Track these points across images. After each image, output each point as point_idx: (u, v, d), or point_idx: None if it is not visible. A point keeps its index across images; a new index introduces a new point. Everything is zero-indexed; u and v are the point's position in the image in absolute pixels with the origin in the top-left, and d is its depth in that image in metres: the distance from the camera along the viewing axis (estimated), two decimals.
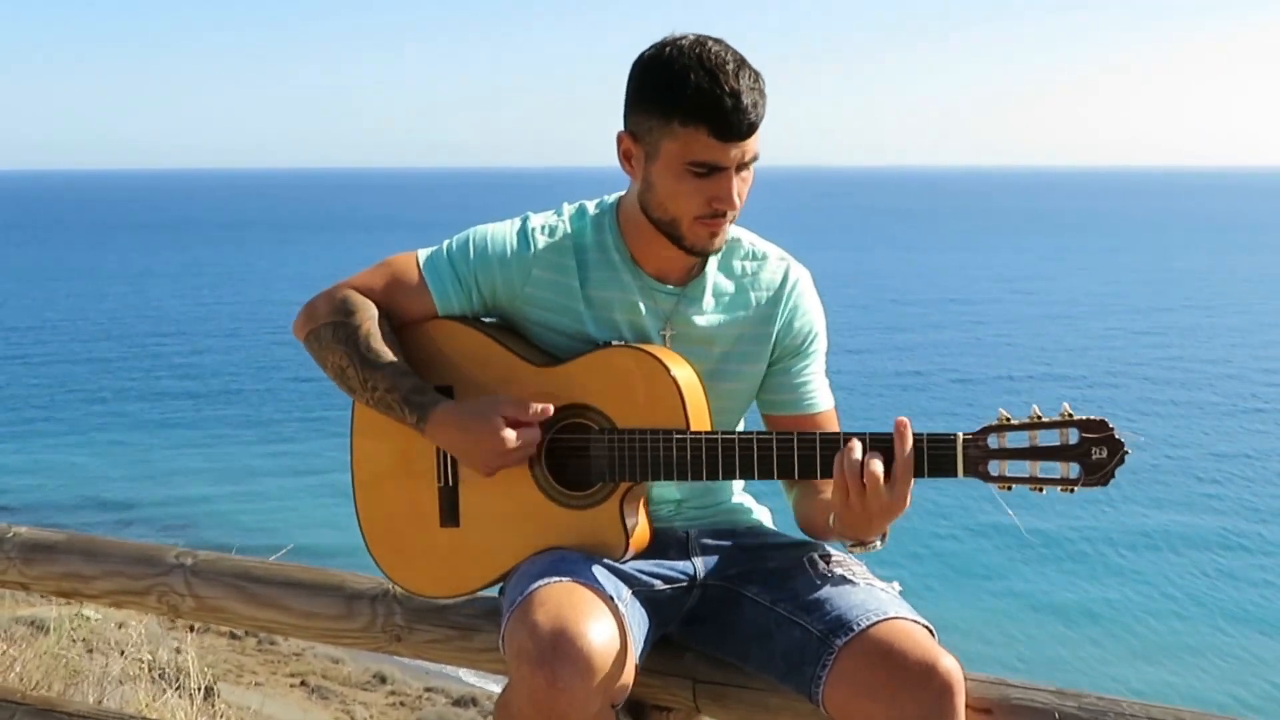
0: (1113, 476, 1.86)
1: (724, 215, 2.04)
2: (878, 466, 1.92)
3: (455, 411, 2.08)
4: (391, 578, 2.26)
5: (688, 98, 1.96)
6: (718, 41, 2.01)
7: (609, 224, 2.18)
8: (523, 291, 2.15)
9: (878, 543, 2.05)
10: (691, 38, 2.01)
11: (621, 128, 2.09)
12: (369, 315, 2.15)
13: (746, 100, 1.96)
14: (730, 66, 1.96)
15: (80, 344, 39.09)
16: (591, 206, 2.21)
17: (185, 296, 51.47)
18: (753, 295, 2.19)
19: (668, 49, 2.01)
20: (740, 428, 2.28)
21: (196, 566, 2.67)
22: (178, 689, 5.40)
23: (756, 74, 2.00)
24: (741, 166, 2.02)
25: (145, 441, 26.08)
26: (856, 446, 1.94)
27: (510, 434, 2.04)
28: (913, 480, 1.93)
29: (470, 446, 2.06)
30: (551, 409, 2.08)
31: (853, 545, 2.06)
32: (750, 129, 1.98)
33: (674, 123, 1.99)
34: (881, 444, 1.94)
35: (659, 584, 2.14)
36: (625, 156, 2.10)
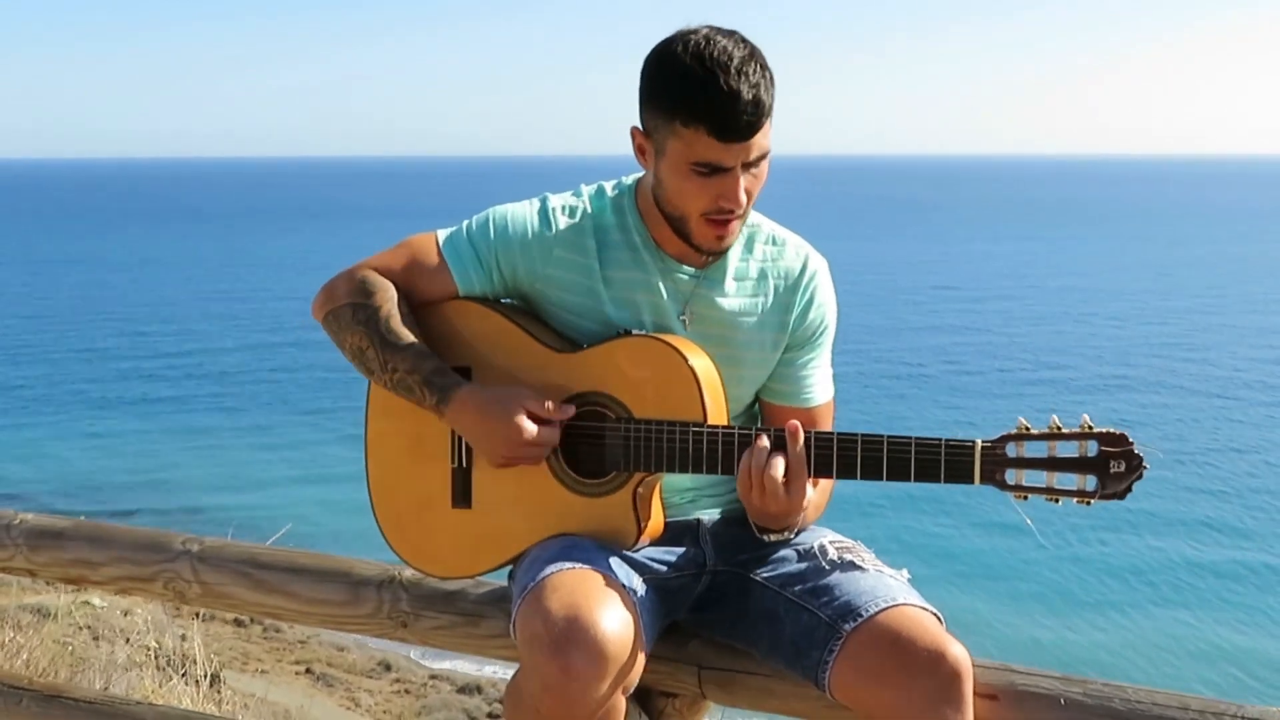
0: (1130, 491, 1.86)
1: (731, 214, 2.02)
2: (777, 470, 1.96)
3: (477, 396, 2.07)
4: (402, 556, 2.26)
5: (688, 98, 1.94)
6: (729, 35, 1.97)
7: (628, 205, 2.16)
8: (543, 272, 2.14)
9: (785, 534, 2.09)
10: (702, 33, 1.98)
11: (637, 121, 2.08)
12: (389, 296, 2.14)
13: (747, 98, 1.92)
14: (734, 64, 1.93)
15: (81, 333, 39.14)
16: (610, 188, 2.20)
17: (188, 285, 51.54)
18: (772, 282, 2.18)
19: (675, 45, 1.98)
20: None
21: (203, 553, 2.67)
22: (183, 676, 5.42)
23: (763, 70, 1.96)
24: (749, 164, 1.99)
25: (148, 430, 26.15)
26: (763, 446, 1.97)
27: (530, 426, 2.04)
28: (807, 484, 1.98)
29: (487, 434, 2.06)
30: (573, 410, 2.08)
31: (761, 532, 2.09)
32: (751, 129, 1.95)
33: (676, 123, 1.97)
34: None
35: (670, 571, 2.14)
36: (639, 151, 2.09)
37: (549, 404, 2.06)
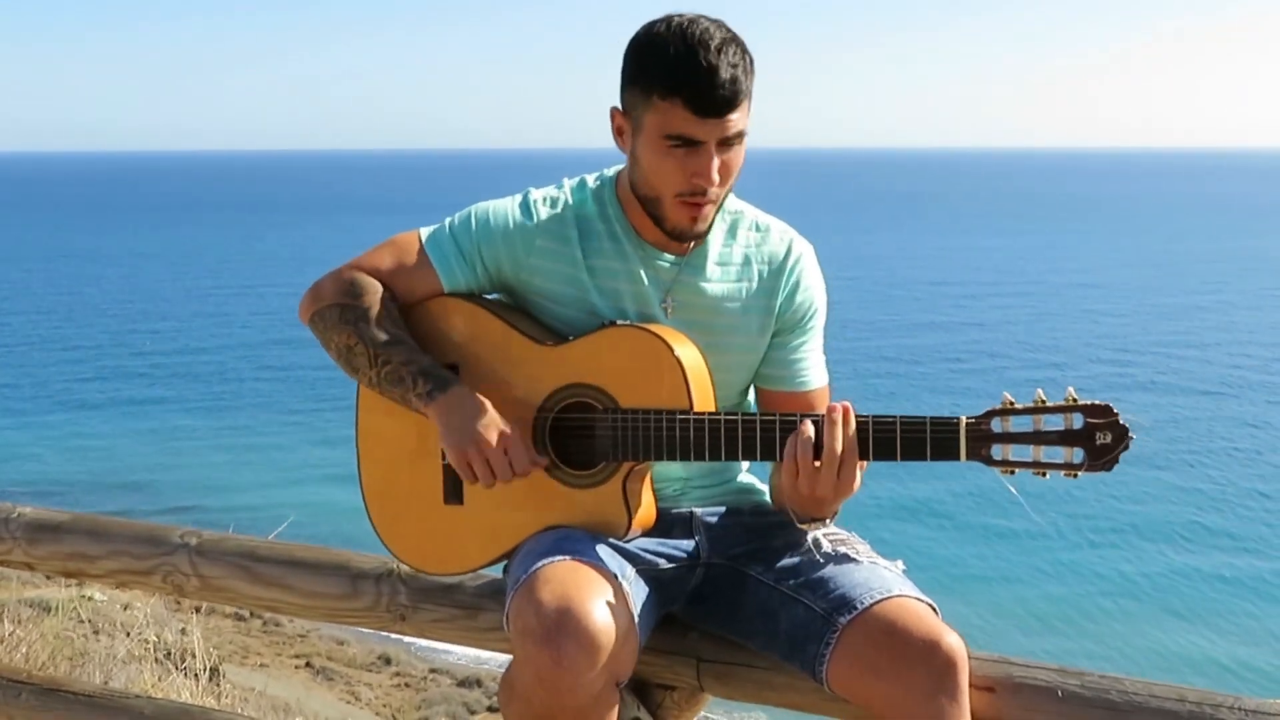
0: (1117, 462, 1.85)
1: (704, 194, 2.03)
2: (836, 450, 1.93)
3: (472, 400, 2.08)
4: (396, 554, 2.27)
5: (666, 71, 1.98)
6: (713, 20, 2.02)
7: (609, 195, 2.18)
8: (526, 262, 2.16)
9: (827, 521, 2.08)
10: (687, 15, 2.02)
11: (619, 104, 2.10)
12: (376, 296, 2.15)
13: (724, 75, 1.96)
14: (714, 43, 1.97)
15: (77, 327, 39.10)
16: (591, 179, 2.22)
17: (182, 279, 51.52)
18: (756, 267, 2.19)
19: (658, 25, 2.03)
20: (751, 397, 2.28)
21: (201, 546, 2.67)
22: (183, 669, 5.42)
23: (742, 51, 2.00)
24: (725, 144, 2.01)
25: (139, 430, 26.07)
26: (808, 428, 1.95)
27: (500, 456, 2.04)
28: (859, 464, 1.95)
29: (462, 434, 2.06)
30: (544, 464, 2.09)
31: (802, 521, 2.08)
32: (727, 104, 1.98)
33: (654, 96, 2.00)
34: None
35: (663, 563, 2.14)
36: (618, 132, 2.11)
37: (527, 452, 2.06)
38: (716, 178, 2.02)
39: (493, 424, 2.06)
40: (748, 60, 2.00)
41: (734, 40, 2.00)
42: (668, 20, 2.02)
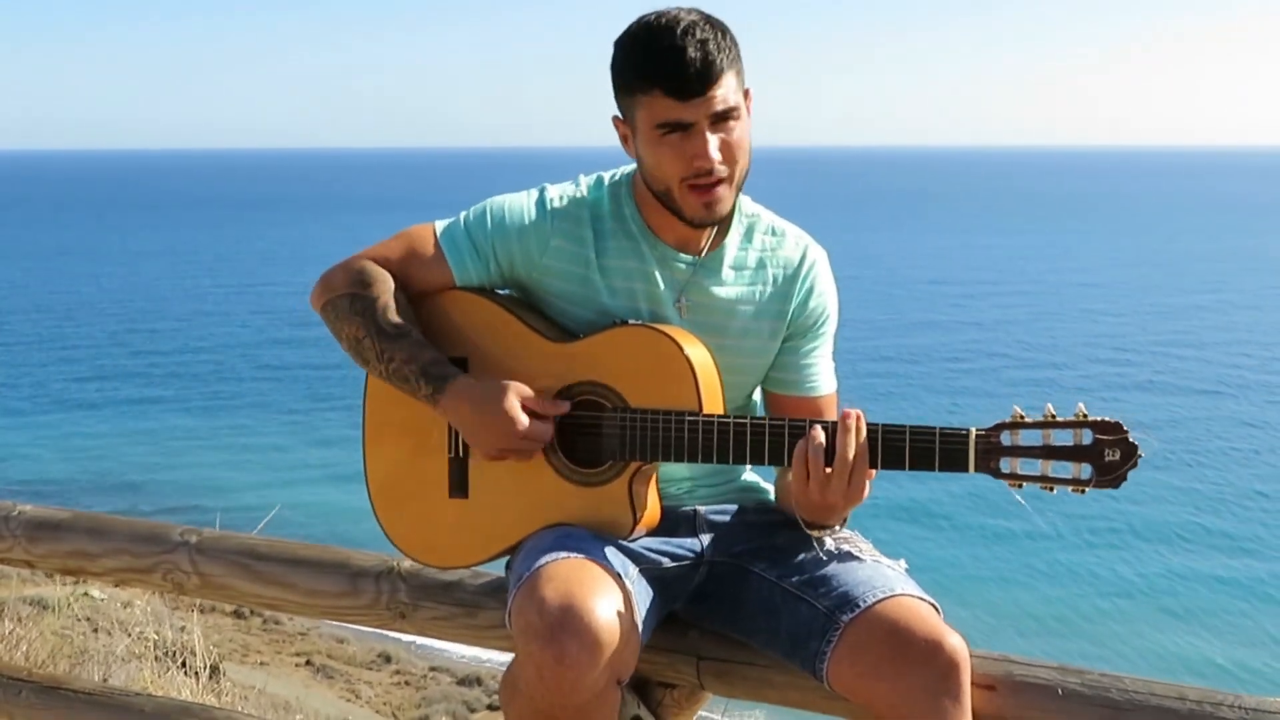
0: (1125, 479, 1.86)
1: (710, 175, 2.02)
2: (849, 457, 1.93)
3: (472, 388, 2.08)
4: (399, 547, 2.27)
5: (639, 65, 2.00)
6: (683, 9, 2.02)
7: (625, 194, 2.17)
8: (540, 262, 2.15)
9: (837, 527, 2.08)
10: (654, 12, 2.03)
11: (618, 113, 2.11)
12: (386, 287, 2.15)
13: (693, 54, 1.96)
14: (680, 27, 1.98)
15: (75, 326, 39.05)
16: (608, 178, 2.21)
17: (181, 278, 51.47)
18: (771, 271, 2.19)
19: (630, 28, 2.04)
20: (757, 397, 2.28)
21: (201, 544, 2.67)
22: (183, 667, 5.42)
23: (712, 27, 2.00)
24: (720, 121, 2.01)
25: (135, 430, 26.02)
26: (819, 435, 1.95)
27: (523, 419, 2.04)
28: (869, 472, 1.95)
29: (481, 425, 2.06)
30: (567, 406, 2.08)
31: (810, 527, 2.07)
32: (702, 80, 1.97)
33: (637, 93, 2.02)
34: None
35: (666, 561, 2.14)
36: (623, 140, 2.12)
37: (544, 399, 2.07)
38: (717, 155, 2.01)
39: (498, 421, 2.04)
40: (719, 35, 1.99)
41: (702, 20, 2.00)
42: (638, 21, 2.04)
